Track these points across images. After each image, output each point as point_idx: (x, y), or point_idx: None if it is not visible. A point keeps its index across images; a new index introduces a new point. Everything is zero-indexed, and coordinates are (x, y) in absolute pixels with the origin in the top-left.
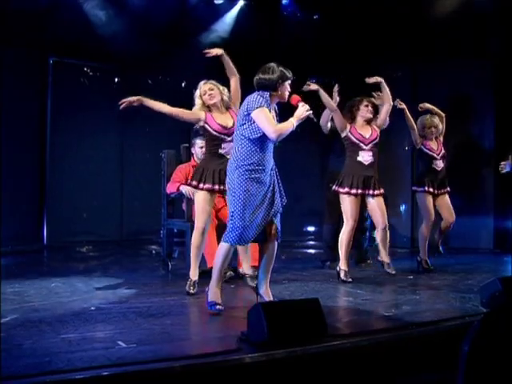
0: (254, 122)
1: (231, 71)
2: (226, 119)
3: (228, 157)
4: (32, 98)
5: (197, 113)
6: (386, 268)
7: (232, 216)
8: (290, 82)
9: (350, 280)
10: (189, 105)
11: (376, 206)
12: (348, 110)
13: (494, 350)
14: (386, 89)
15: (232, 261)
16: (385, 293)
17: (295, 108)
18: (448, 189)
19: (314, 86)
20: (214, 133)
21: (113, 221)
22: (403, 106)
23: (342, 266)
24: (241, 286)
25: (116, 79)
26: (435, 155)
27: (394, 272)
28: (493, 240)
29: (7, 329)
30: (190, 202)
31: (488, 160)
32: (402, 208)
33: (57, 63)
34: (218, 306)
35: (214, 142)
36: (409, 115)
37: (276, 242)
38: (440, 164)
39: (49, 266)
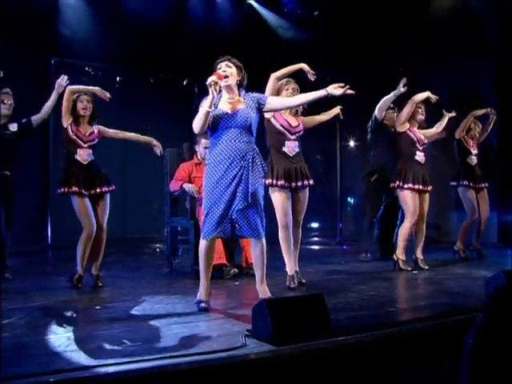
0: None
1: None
2: (292, 119)
3: (291, 155)
4: (34, 98)
5: None
6: (420, 263)
7: (204, 210)
8: (218, 66)
9: (410, 269)
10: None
11: (427, 201)
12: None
13: (499, 342)
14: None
15: (236, 258)
16: (389, 288)
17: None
18: (487, 184)
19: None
20: (280, 128)
21: (116, 219)
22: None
23: (400, 255)
24: (245, 282)
25: (118, 78)
26: (471, 150)
27: (426, 267)
28: (497, 234)
29: (12, 328)
30: (193, 200)
31: (491, 154)
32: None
33: (58, 63)
34: (202, 304)
35: (278, 137)
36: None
37: (261, 240)
38: (474, 160)
39: (53, 266)
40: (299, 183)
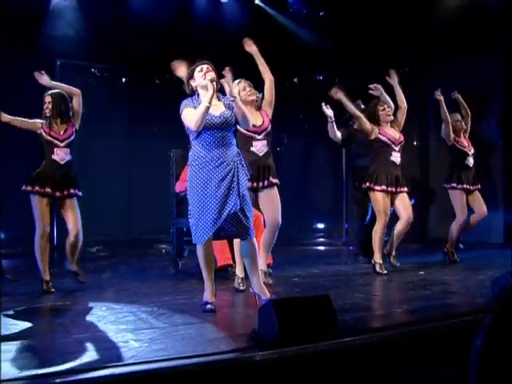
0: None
1: (265, 72)
2: (256, 118)
3: (260, 154)
4: (39, 99)
5: None
6: (392, 260)
7: (189, 215)
8: (198, 69)
9: (385, 272)
10: None
11: (403, 201)
12: (370, 118)
13: (508, 343)
14: (400, 91)
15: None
16: (395, 289)
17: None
18: (479, 186)
19: (338, 95)
20: (246, 132)
21: (122, 220)
22: (441, 97)
23: (377, 259)
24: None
25: (123, 79)
26: (467, 151)
27: (398, 264)
28: (503, 235)
29: (18, 329)
30: None
31: (497, 154)
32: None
33: (64, 65)
34: (208, 306)
35: (246, 139)
36: (445, 108)
37: (252, 239)
38: (472, 160)
39: (58, 267)
40: (264, 182)
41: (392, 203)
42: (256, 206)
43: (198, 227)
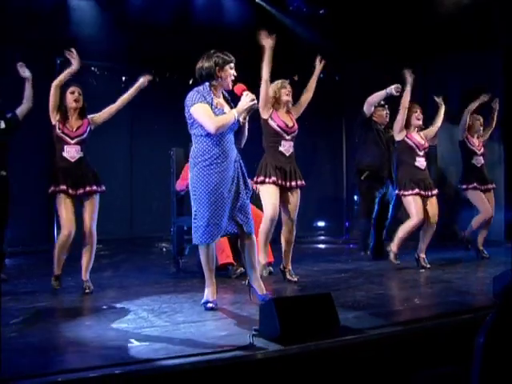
0: (196, 120)
1: (266, 69)
2: (287, 119)
3: (287, 154)
4: (40, 98)
5: None
6: (422, 262)
7: (195, 215)
8: (231, 65)
9: (398, 263)
10: None
11: (433, 205)
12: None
13: (510, 340)
14: (408, 93)
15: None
16: (397, 287)
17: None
18: (494, 185)
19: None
20: (277, 129)
21: (123, 219)
22: (442, 105)
23: (394, 248)
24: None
25: (124, 78)
26: (476, 150)
27: (428, 266)
28: (504, 232)
29: (19, 328)
30: None
31: (498, 152)
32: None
33: (64, 63)
34: (209, 304)
35: (275, 138)
36: (442, 112)
37: (252, 235)
38: (480, 160)
39: None
40: (293, 183)
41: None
42: (255, 202)
43: (208, 228)
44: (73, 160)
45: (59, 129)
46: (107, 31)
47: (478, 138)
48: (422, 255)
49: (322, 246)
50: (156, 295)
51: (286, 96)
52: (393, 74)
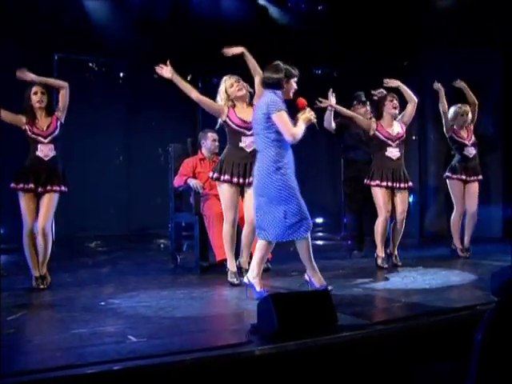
0: (274, 124)
1: (255, 69)
2: (248, 114)
3: (248, 150)
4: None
5: (222, 107)
6: (394, 260)
7: (285, 215)
8: (295, 79)
9: (386, 266)
10: None
11: (400, 197)
12: (375, 108)
13: (508, 337)
14: (406, 89)
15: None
16: (394, 283)
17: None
18: (480, 176)
19: (331, 101)
20: (236, 127)
21: (121, 215)
22: (441, 88)
23: (379, 252)
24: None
25: (121, 74)
26: (466, 142)
27: (400, 263)
28: (502, 229)
29: (17, 325)
30: (198, 195)
31: (496, 148)
32: (410, 198)
33: (62, 59)
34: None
35: (235, 135)
36: (444, 99)
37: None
38: (472, 151)
39: (57, 261)
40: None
41: (392, 198)
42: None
43: (307, 220)
44: (46, 159)
45: (30, 131)
46: (105, 27)
47: (466, 128)
48: (395, 252)
49: (319, 242)
50: (154, 291)
51: (239, 91)
52: (388, 70)
